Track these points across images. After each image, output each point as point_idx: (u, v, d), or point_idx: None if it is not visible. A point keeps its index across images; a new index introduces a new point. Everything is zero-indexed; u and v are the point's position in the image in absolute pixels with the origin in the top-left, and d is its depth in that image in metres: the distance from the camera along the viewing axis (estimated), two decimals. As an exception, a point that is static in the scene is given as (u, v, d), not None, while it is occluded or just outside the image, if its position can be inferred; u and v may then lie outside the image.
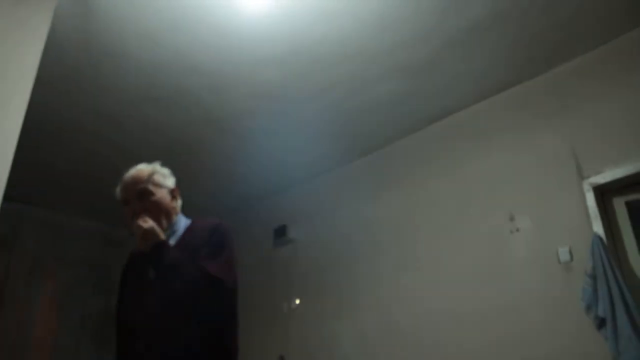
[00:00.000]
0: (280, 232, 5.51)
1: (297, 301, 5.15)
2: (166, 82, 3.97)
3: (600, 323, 3.05)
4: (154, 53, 3.66)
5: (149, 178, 2.11)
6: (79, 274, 6.16)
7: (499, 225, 3.83)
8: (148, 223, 1.92)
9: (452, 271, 4.00)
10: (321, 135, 4.74)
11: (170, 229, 2.09)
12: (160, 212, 2.06)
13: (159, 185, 2.12)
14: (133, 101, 4.19)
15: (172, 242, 2.04)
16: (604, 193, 3.46)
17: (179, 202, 2.22)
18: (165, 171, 2.21)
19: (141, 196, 2.05)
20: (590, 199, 3.40)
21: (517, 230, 3.72)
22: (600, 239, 3.19)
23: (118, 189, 2.14)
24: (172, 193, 2.19)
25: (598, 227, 3.30)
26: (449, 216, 4.19)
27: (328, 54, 3.72)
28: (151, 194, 2.07)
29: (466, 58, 3.78)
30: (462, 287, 3.90)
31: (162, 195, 2.11)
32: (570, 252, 3.40)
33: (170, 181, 2.20)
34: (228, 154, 5.02)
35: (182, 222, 2.16)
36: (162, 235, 1.93)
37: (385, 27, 3.48)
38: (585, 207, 3.41)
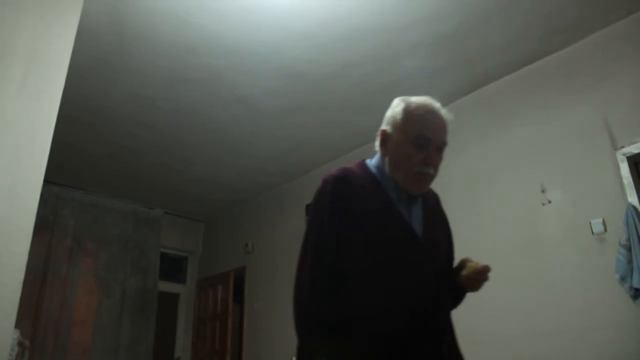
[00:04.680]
0: (312, 209, 5.54)
1: (330, 276, 5.20)
2: (197, 63, 4.02)
3: (636, 294, 3.03)
4: (183, 35, 3.70)
5: (447, 132, 1.68)
6: (117, 253, 6.34)
7: (530, 198, 3.80)
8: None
9: (483, 245, 3.98)
10: (351, 111, 4.74)
11: None
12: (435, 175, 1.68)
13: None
14: (165, 83, 4.26)
15: (415, 209, 1.67)
16: (638, 163, 3.39)
17: None
18: None
19: (440, 150, 1.64)
20: (625, 168, 3.35)
21: (549, 202, 3.69)
22: (635, 209, 3.15)
23: (418, 117, 1.63)
24: None
25: (633, 197, 3.25)
26: (479, 189, 4.17)
27: (356, 29, 3.70)
28: (443, 151, 1.67)
29: (495, 30, 3.72)
30: (494, 261, 3.88)
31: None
32: (604, 223, 3.36)
33: None
34: (260, 132, 5.07)
35: None
36: None
37: (414, 0, 3.45)
38: (619, 177, 3.36)
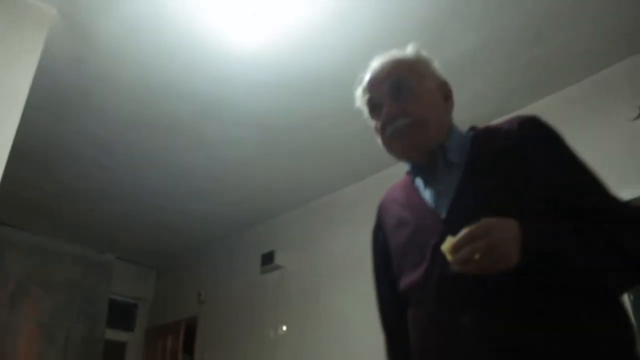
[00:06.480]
0: (268, 258, 5.46)
1: (284, 328, 5.09)
2: (157, 108, 3.98)
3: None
4: (145, 79, 3.67)
5: (409, 66, 1.37)
6: (63, 299, 6.06)
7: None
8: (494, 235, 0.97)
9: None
10: (312, 162, 4.74)
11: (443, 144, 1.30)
12: (429, 113, 1.30)
13: (422, 75, 1.36)
14: (123, 125, 4.19)
15: (447, 181, 1.23)
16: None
17: (451, 106, 1.43)
18: (428, 57, 1.45)
19: (397, 91, 1.31)
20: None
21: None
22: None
23: (360, 92, 1.45)
24: (443, 89, 1.42)
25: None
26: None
27: (319, 83, 3.74)
28: (412, 87, 1.31)
29: (457, 87, 3.78)
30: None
31: (429, 88, 1.35)
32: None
33: (438, 71, 1.44)
34: (218, 179, 5.01)
35: (458, 138, 1.35)
36: (516, 249, 0.98)
37: (374, 56, 3.51)
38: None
